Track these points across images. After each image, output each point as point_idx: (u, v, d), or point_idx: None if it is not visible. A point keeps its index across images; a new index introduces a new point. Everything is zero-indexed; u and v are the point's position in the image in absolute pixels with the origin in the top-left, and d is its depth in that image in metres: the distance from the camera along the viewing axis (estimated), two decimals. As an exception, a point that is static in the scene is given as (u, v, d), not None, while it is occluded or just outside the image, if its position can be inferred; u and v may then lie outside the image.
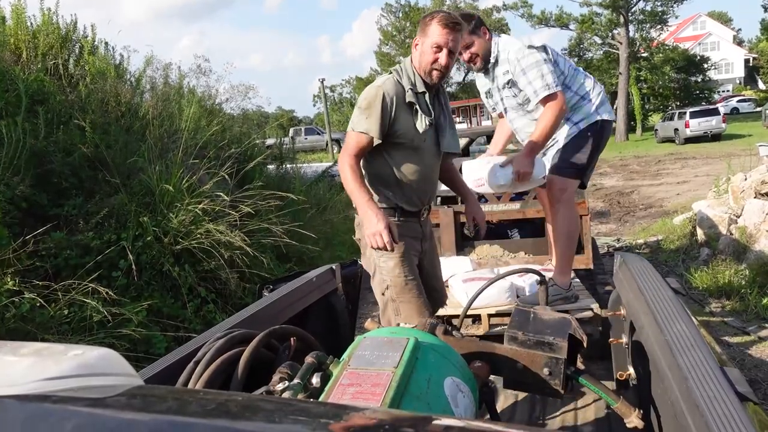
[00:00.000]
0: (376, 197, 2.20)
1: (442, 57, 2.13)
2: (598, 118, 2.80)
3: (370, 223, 2.04)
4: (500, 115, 3.11)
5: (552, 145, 2.90)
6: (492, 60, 2.82)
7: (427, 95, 2.20)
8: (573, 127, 2.83)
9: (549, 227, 3.22)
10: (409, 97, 2.14)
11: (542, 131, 2.65)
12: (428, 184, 2.30)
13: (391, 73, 2.22)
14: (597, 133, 2.82)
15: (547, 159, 2.94)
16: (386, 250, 2.06)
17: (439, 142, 2.26)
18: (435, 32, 2.12)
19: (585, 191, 3.86)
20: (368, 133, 2.10)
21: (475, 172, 2.79)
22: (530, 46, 2.70)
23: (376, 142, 2.11)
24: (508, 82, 2.79)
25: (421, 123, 2.16)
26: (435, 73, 2.16)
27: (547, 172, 2.89)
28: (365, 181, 2.20)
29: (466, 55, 2.78)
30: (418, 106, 2.16)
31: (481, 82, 3.04)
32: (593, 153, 2.83)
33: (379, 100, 2.09)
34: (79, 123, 4.54)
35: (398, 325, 1.90)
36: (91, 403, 0.67)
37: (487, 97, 3.06)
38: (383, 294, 2.22)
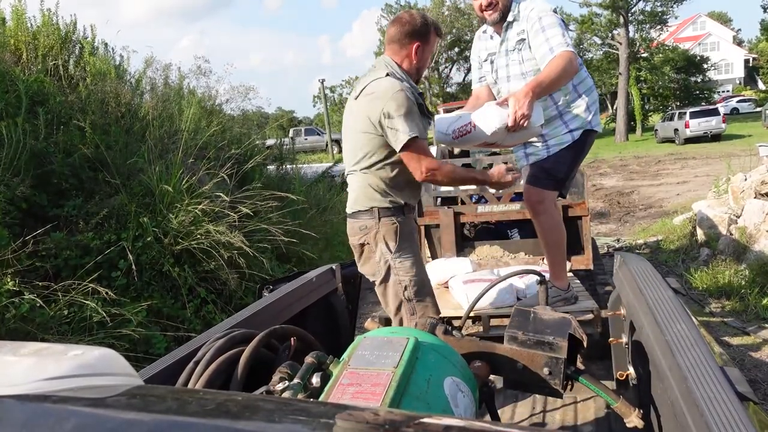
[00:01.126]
0: (387, 199, 2.18)
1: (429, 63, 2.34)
2: (590, 128, 2.72)
3: (498, 174, 2.24)
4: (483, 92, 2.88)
5: (538, 143, 2.76)
6: (510, 18, 2.66)
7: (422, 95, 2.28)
8: (567, 134, 2.72)
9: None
10: (418, 99, 2.18)
11: (548, 74, 2.37)
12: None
13: (388, 74, 2.17)
14: (583, 144, 2.74)
15: (530, 157, 2.81)
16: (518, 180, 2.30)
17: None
18: (434, 43, 2.27)
19: (584, 191, 3.87)
20: (421, 136, 2.13)
21: (459, 119, 2.42)
22: (555, 11, 2.61)
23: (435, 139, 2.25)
24: (519, 42, 2.64)
25: (426, 124, 2.23)
26: (421, 77, 2.33)
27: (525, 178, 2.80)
28: (374, 184, 2.18)
29: (486, 12, 2.62)
30: (422, 105, 2.21)
31: (483, 45, 2.85)
32: (574, 163, 2.77)
33: (412, 102, 2.13)
34: (79, 124, 4.55)
35: (416, 325, 1.91)
36: (91, 403, 0.67)
37: (483, 62, 2.85)
38: (399, 295, 2.19)
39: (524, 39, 2.62)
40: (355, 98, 2.23)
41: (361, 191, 2.21)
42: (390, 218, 2.17)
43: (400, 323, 2.22)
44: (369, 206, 2.17)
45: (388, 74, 2.16)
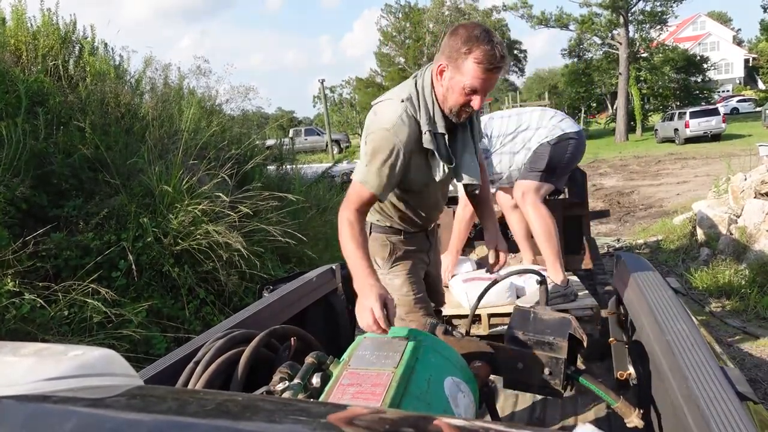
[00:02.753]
0: (374, 217, 2.05)
1: (476, 102, 1.73)
2: (559, 132, 2.98)
3: (364, 297, 1.56)
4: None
5: (511, 151, 3.09)
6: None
7: (446, 136, 1.80)
8: (530, 142, 3.05)
9: (512, 227, 3.43)
10: (427, 142, 1.76)
11: (455, 233, 3.24)
12: (437, 209, 2.15)
13: (404, 101, 1.76)
14: (558, 142, 2.97)
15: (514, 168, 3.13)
16: (379, 330, 1.50)
17: (455, 175, 1.93)
18: (472, 74, 1.66)
19: (585, 191, 3.87)
20: (369, 188, 1.75)
21: (456, 292, 2.98)
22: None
23: (380, 199, 1.78)
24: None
25: (439, 171, 1.84)
26: (463, 116, 1.78)
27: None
28: (377, 209, 1.98)
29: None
30: (436, 152, 1.78)
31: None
32: (556, 156, 2.96)
33: (386, 153, 1.72)
34: (79, 124, 4.54)
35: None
36: (91, 404, 0.67)
37: None
38: None
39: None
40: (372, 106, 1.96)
41: None
42: (382, 236, 2.06)
43: None
44: (367, 221, 2.02)
45: (403, 100, 1.76)
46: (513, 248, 3.82)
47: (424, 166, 1.84)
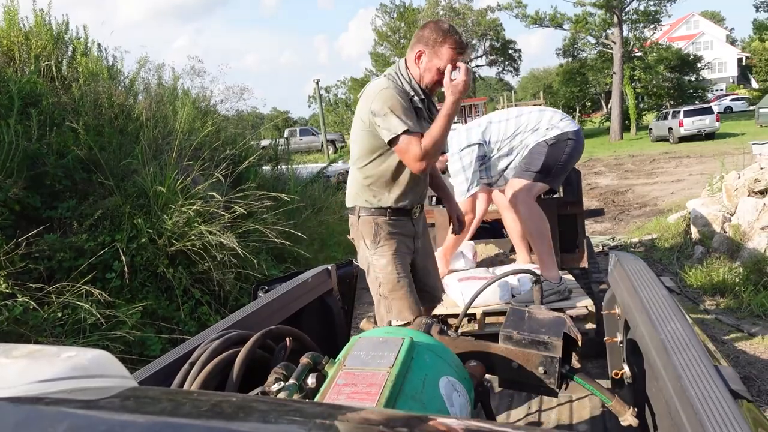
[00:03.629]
0: (373, 199, 2.24)
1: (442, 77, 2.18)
2: (557, 132, 2.98)
3: (455, 92, 2.08)
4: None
5: (509, 153, 3.12)
6: None
7: (426, 102, 2.24)
8: (530, 141, 3.06)
9: (508, 226, 3.49)
10: (417, 103, 2.17)
11: (450, 241, 3.21)
12: (422, 184, 2.35)
13: (386, 76, 2.20)
14: (556, 142, 2.98)
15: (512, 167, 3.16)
16: (466, 86, 2.08)
17: None
18: (446, 56, 2.12)
19: (579, 190, 3.88)
20: (410, 129, 2.06)
21: (452, 292, 3.05)
22: (454, 153, 3.08)
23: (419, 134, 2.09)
24: None
25: (426, 128, 2.18)
26: (436, 89, 2.23)
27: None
28: (358, 183, 2.26)
29: None
30: (425, 114, 2.20)
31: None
32: (552, 157, 2.96)
33: (396, 99, 2.08)
34: (72, 125, 4.52)
35: (389, 323, 1.91)
36: (84, 405, 0.66)
37: None
38: (376, 291, 2.29)
39: None
40: (359, 97, 2.29)
41: (350, 189, 2.32)
42: (369, 217, 2.24)
43: (381, 320, 2.29)
44: (353, 204, 2.29)
45: (386, 75, 2.20)
46: (508, 247, 3.84)
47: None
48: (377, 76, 2.38)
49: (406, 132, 2.06)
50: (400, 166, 2.22)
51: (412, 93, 2.16)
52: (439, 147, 2.14)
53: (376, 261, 2.24)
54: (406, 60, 2.22)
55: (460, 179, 3.09)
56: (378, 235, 2.23)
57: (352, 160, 2.31)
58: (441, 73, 2.14)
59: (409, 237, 2.33)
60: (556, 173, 3.02)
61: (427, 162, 2.12)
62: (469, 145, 3.08)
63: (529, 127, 3.05)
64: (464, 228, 2.69)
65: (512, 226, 3.41)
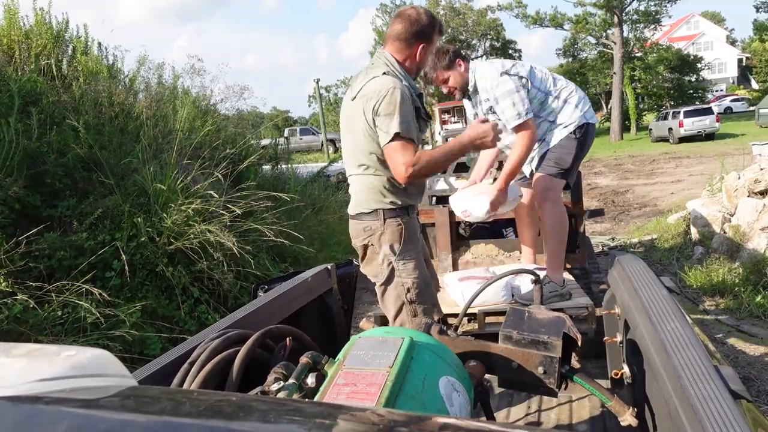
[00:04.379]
0: (396, 199, 2.15)
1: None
2: (585, 121, 2.88)
3: (475, 134, 2.10)
4: None
5: (538, 146, 2.95)
6: (470, 89, 2.94)
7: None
8: (563, 129, 2.89)
9: (523, 226, 3.37)
10: (416, 101, 2.12)
11: (514, 161, 2.72)
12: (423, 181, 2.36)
13: (386, 73, 2.09)
14: (583, 136, 2.89)
15: (535, 158, 3.01)
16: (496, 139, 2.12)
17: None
18: (436, 43, 2.25)
19: (580, 190, 3.88)
20: (407, 133, 2.01)
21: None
22: (503, 73, 2.79)
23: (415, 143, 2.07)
24: (490, 108, 2.87)
25: (423, 127, 2.20)
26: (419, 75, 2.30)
27: (531, 174, 3.05)
28: (377, 186, 2.14)
29: (444, 89, 2.97)
30: (421, 108, 2.16)
31: (467, 105, 3.14)
32: (578, 154, 2.90)
33: (406, 100, 2.03)
34: (72, 123, 4.52)
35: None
36: (84, 404, 0.66)
37: (475, 117, 3.10)
38: (401, 297, 2.16)
39: (491, 105, 2.85)
40: (352, 99, 2.14)
41: (364, 194, 2.17)
42: (395, 219, 2.13)
43: (401, 326, 2.18)
44: (373, 208, 2.14)
45: (385, 73, 2.09)
46: (508, 247, 3.84)
47: (416, 122, 2.12)
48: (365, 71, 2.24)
49: (397, 136, 1.99)
50: None
51: (410, 90, 2.12)
52: (432, 171, 2.17)
53: (404, 266, 2.14)
54: (394, 56, 2.15)
55: (516, 98, 2.73)
56: (405, 239, 2.14)
57: (360, 168, 2.17)
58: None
59: (419, 233, 2.34)
60: (577, 167, 2.98)
61: (414, 176, 2.03)
62: (520, 76, 2.80)
63: (562, 94, 2.88)
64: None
65: (524, 227, 3.36)
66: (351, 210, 2.25)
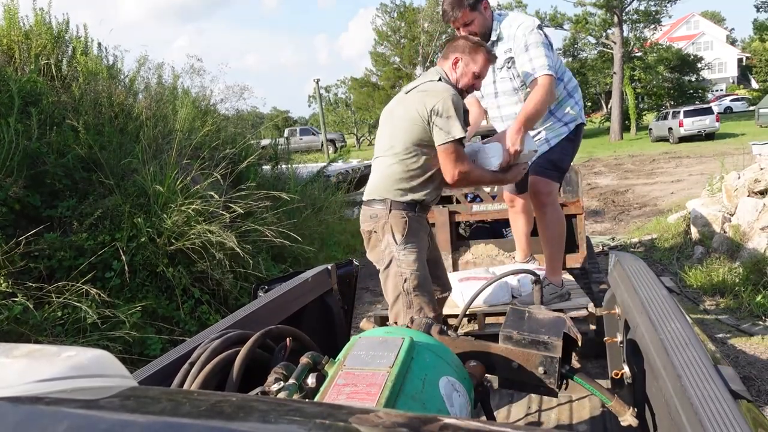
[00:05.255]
0: (408, 192, 2.28)
1: (479, 84, 2.43)
2: (581, 121, 2.87)
3: (513, 177, 2.45)
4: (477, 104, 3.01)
5: (537, 139, 2.85)
6: (493, 38, 2.73)
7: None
8: (563, 126, 2.84)
9: (517, 226, 3.31)
10: (463, 108, 2.28)
11: (533, 107, 2.53)
12: (443, 183, 2.42)
13: (441, 79, 2.32)
14: (577, 137, 2.90)
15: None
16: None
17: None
18: (481, 64, 2.34)
19: (580, 190, 3.89)
20: (464, 138, 2.22)
21: (452, 291, 2.82)
22: (540, 27, 2.67)
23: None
24: (508, 60, 2.72)
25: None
26: (468, 93, 2.43)
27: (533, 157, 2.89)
28: (395, 175, 2.27)
29: (463, 32, 2.67)
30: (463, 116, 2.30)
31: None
32: (573, 155, 2.91)
33: (461, 107, 2.22)
34: (72, 124, 4.52)
35: (411, 320, 1.91)
36: (84, 405, 0.66)
37: None
38: (399, 286, 2.26)
39: (512, 57, 2.70)
40: (407, 92, 2.34)
41: (381, 181, 2.30)
42: (401, 212, 2.25)
43: (396, 315, 2.26)
44: (384, 197, 2.28)
45: (440, 79, 2.31)
46: (508, 247, 3.84)
47: None
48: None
49: (460, 141, 2.20)
50: (437, 166, 2.29)
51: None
52: (471, 183, 2.51)
53: (404, 257, 2.25)
54: (442, 68, 2.37)
55: (543, 51, 2.60)
56: (408, 231, 2.25)
57: (388, 151, 2.30)
58: (476, 77, 2.35)
59: (426, 234, 2.40)
60: (568, 169, 3.00)
61: (460, 180, 2.28)
62: (549, 41, 2.72)
63: (569, 87, 2.84)
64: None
65: (518, 225, 3.33)
66: (365, 195, 2.38)
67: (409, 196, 2.27)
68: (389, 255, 2.27)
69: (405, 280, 2.24)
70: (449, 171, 2.24)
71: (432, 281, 2.36)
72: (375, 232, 2.31)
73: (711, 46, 53.26)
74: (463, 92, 2.37)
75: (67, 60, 5.72)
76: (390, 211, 2.25)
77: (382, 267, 2.32)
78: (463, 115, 2.25)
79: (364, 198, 2.38)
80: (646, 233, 7.73)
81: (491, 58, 2.38)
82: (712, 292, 5.03)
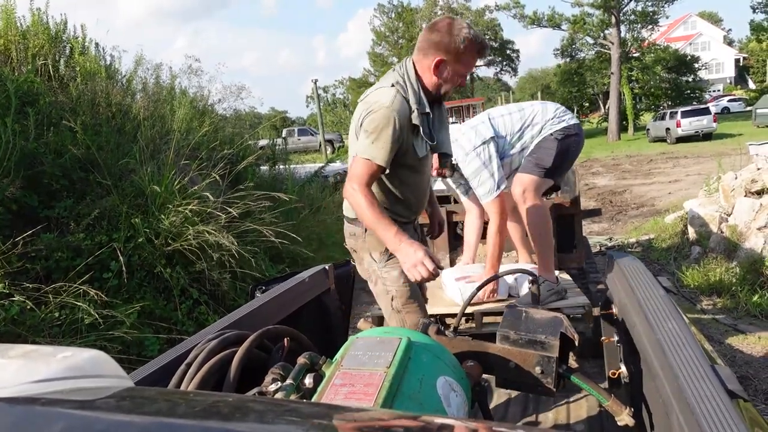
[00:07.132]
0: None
1: (463, 82, 2.10)
2: (564, 124, 2.89)
3: (408, 256, 1.84)
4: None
5: (520, 151, 2.96)
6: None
7: (430, 116, 2.04)
8: (539, 137, 2.92)
9: (510, 226, 3.29)
10: (415, 119, 1.95)
11: (492, 246, 2.79)
12: (424, 195, 2.25)
13: (393, 85, 1.97)
14: (565, 136, 2.89)
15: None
16: (433, 278, 1.87)
17: (436, 148, 2.14)
18: (470, 62, 2.02)
19: (576, 190, 3.89)
20: (375, 161, 1.90)
21: (453, 286, 2.93)
22: (469, 152, 2.83)
23: (384, 170, 1.94)
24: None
25: (422, 148, 2.03)
26: (448, 94, 2.09)
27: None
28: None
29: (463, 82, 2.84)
30: (421, 130, 1.99)
31: None
32: (560, 153, 2.87)
33: (390, 127, 1.88)
34: (69, 124, 4.51)
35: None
36: (80, 405, 0.66)
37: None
38: (388, 306, 2.15)
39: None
40: (360, 101, 2.08)
41: None
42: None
43: None
44: (356, 215, 2.06)
45: (393, 85, 1.97)
46: (505, 247, 3.84)
47: (413, 142, 2.01)
48: (375, 75, 2.19)
49: (369, 160, 1.91)
50: (407, 178, 2.08)
51: (415, 107, 1.96)
52: (351, 204, 2.00)
53: (387, 274, 2.10)
54: (415, 65, 2.02)
55: (484, 176, 2.78)
56: (385, 248, 2.05)
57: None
58: (463, 77, 2.04)
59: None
60: (563, 169, 2.97)
61: (349, 196, 1.96)
62: (484, 142, 2.84)
63: (536, 120, 2.91)
64: (442, 233, 2.62)
65: (512, 226, 3.34)
66: (343, 210, 2.22)
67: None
68: (373, 273, 2.14)
69: (392, 299, 2.11)
70: (348, 178, 1.95)
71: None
72: (356, 251, 2.18)
73: (708, 46, 53.39)
74: (446, 92, 2.06)
75: (65, 60, 5.71)
76: (365, 230, 2.07)
77: (370, 284, 2.20)
78: (401, 132, 1.91)
79: (343, 212, 2.20)
80: (643, 233, 7.74)
81: (482, 50, 2.03)
82: (709, 292, 5.04)
